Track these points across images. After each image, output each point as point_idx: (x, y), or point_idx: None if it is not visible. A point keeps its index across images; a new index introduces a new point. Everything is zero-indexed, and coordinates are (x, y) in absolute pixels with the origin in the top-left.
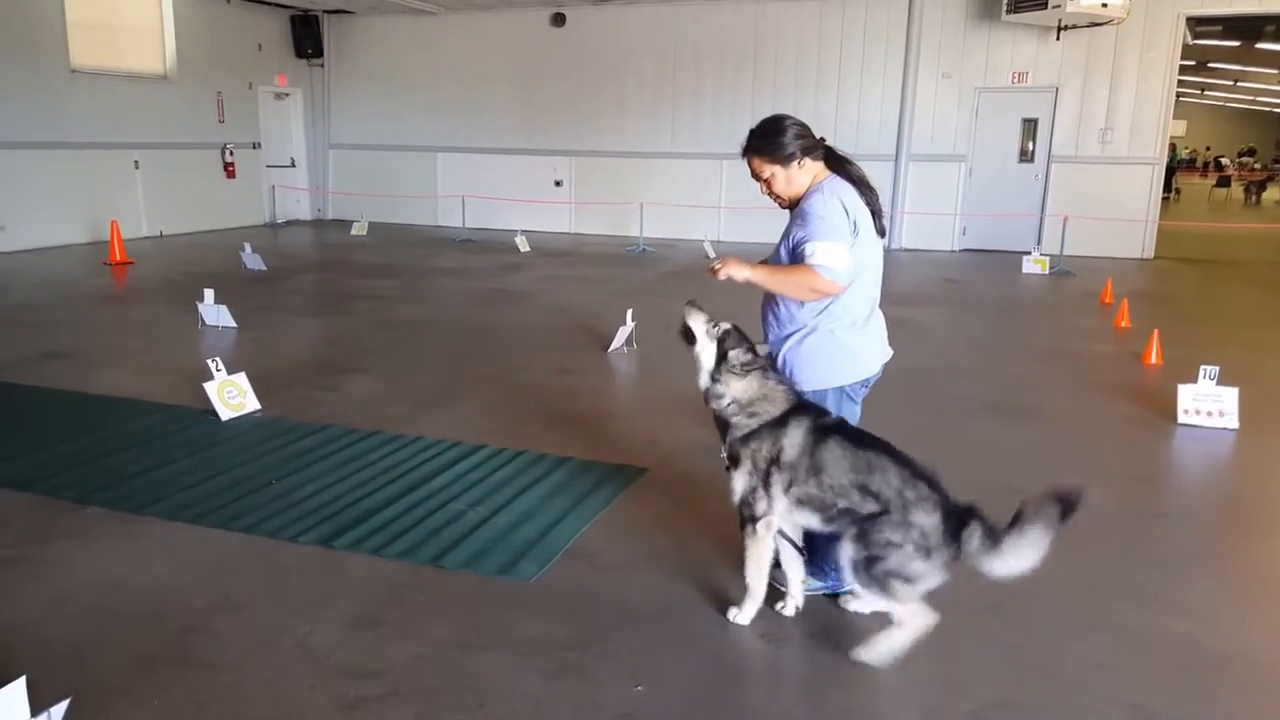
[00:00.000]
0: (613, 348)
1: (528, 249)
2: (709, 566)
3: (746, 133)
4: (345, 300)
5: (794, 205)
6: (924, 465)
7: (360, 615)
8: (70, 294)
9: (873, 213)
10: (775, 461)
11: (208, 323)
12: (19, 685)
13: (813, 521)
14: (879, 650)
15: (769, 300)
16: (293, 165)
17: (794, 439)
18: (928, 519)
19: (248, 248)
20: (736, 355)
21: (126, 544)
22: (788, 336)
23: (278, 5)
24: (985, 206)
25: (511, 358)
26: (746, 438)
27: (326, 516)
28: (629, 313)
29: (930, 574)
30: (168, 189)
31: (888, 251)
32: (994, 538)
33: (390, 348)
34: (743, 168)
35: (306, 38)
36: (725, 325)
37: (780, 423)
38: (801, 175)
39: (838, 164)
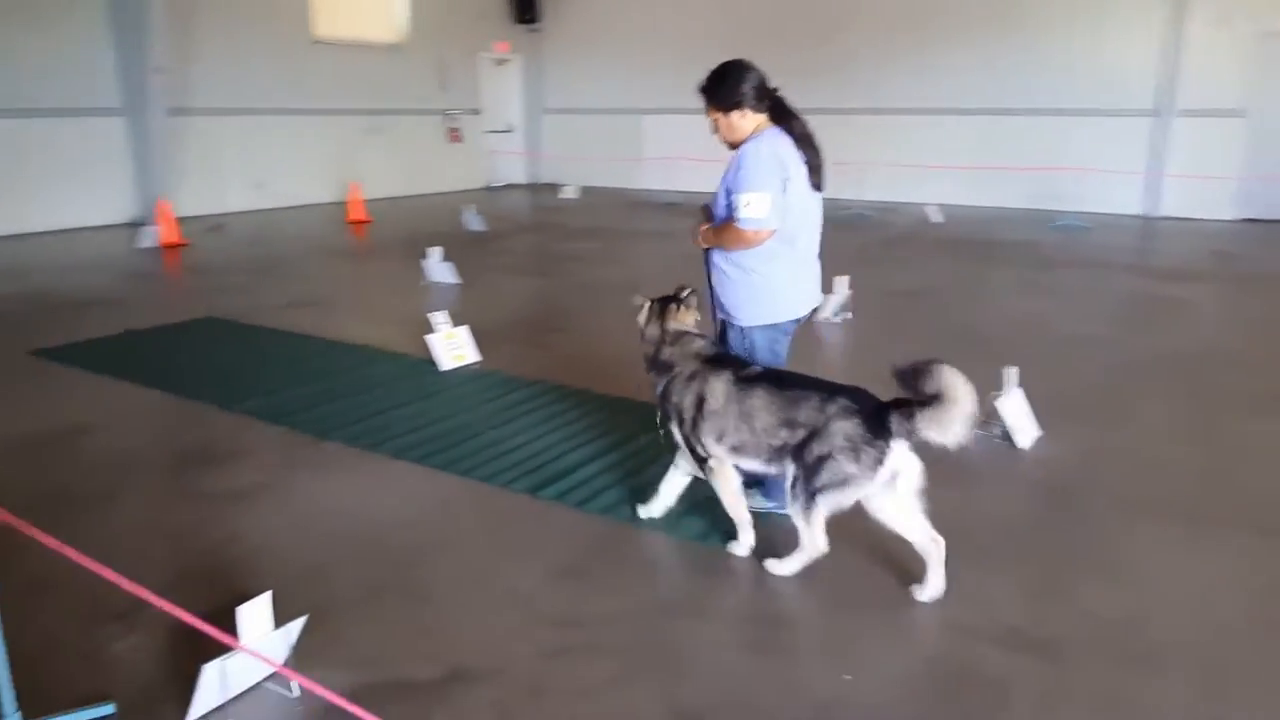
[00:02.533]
0: (822, 315)
1: None
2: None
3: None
4: (554, 262)
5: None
6: (844, 385)
7: (565, 566)
8: (315, 248)
9: (810, 168)
10: (699, 410)
11: (432, 278)
12: (265, 599)
13: (755, 465)
14: (785, 566)
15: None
16: (509, 130)
17: (716, 391)
18: (847, 424)
19: (471, 210)
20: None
21: (359, 478)
22: (722, 277)
23: None
24: (1273, 168)
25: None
26: (665, 393)
27: (534, 467)
28: (843, 280)
29: (863, 475)
30: (400, 153)
31: (1148, 218)
32: (911, 417)
33: (591, 310)
34: (982, 125)
35: (525, 3)
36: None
37: (695, 376)
38: (744, 123)
39: (783, 117)
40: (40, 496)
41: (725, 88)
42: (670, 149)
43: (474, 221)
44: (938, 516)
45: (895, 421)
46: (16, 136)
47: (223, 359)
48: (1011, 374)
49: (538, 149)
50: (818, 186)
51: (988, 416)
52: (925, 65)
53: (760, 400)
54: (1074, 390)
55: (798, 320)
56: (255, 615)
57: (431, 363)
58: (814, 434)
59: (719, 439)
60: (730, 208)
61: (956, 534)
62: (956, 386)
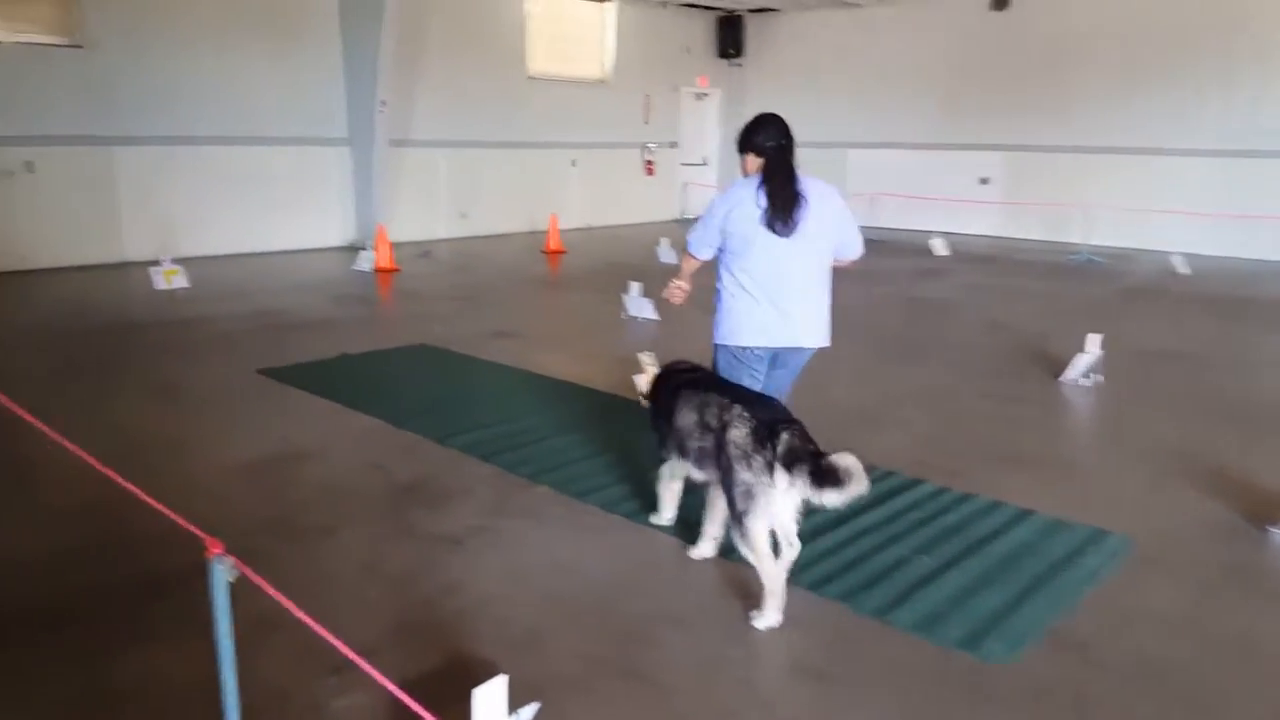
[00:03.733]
0: (1066, 376)
1: (945, 252)
2: (1238, 696)
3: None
4: None
5: None
6: (750, 393)
7: (803, 661)
8: (516, 278)
9: (768, 213)
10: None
11: (631, 313)
12: (500, 684)
13: (694, 473)
14: (764, 618)
15: None
16: (704, 163)
17: (667, 404)
18: (739, 431)
19: (663, 243)
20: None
21: (574, 531)
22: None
23: (706, 8)
24: None
25: (943, 377)
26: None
27: None
28: (1094, 339)
29: (758, 481)
30: (596, 185)
31: None
32: (800, 459)
33: None
34: (1237, 168)
35: (729, 38)
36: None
37: (654, 395)
38: (748, 165)
39: (774, 169)
40: (262, 526)
41: (743, 134)
42: (875, 184)
43: (667, 254)
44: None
45: (784, 442)
46: (253, 163)
47: (433, 388)
48: None
49: (731, 181)
50: (775, 230)
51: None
52: (1164, 102)
53: (684, 402)
54: None
55: (757, 354)
56: (488, 699)
57: (636, 403)
58: (719, 442)
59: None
60: None
61: None
62: (855, 470)
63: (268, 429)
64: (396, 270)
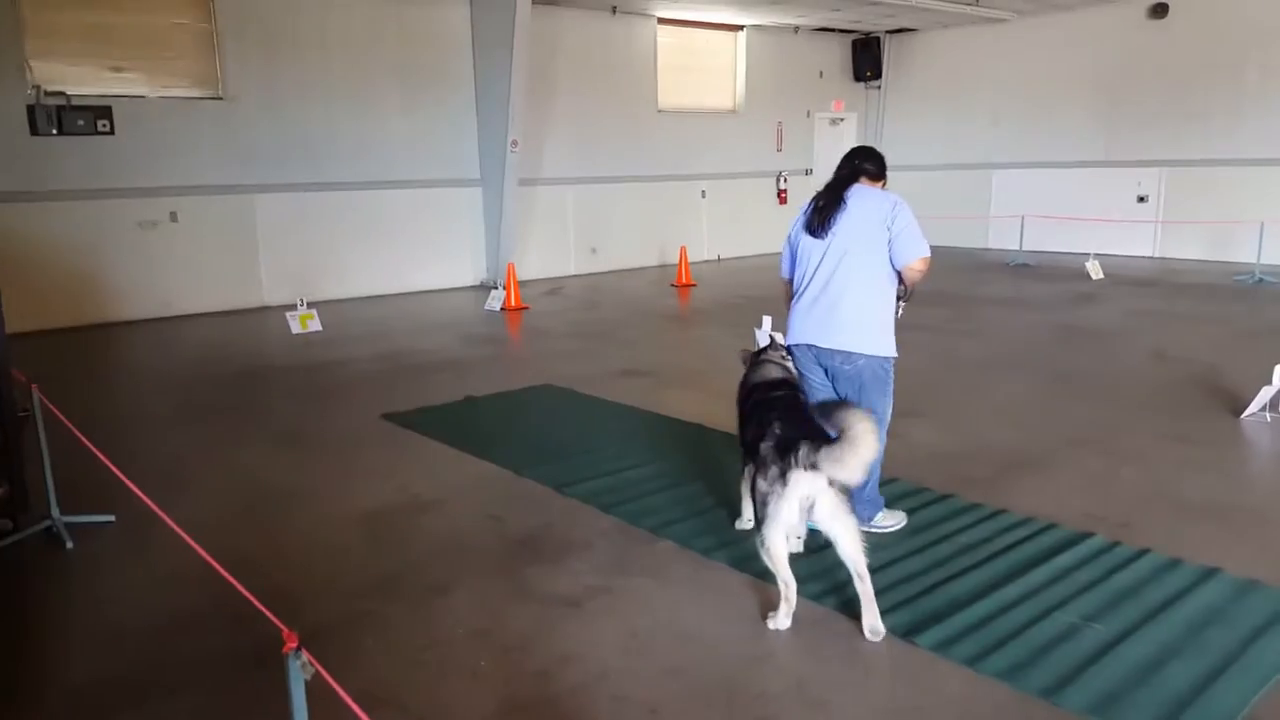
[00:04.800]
0: (1248, 413)
1: (1100, 276)
2: None
3: None
4: (897, 330)
5: None
6: (800, 407)
7: None
8: (644, 312)
9: (814, 212)
10: None
11: None
12: None
13: None
14: (776, 620)
15: None
16: None
17: (740, 409)
18: (766, 443)
19: None
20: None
21: (699, 591)
22: None
23: (841, 31)
24: None
25: (1107, 415)
26: None
27: (904, 600)
28: (1278, 370)
29: (772, 490)
30: (727, 216)
31: None
32: (817, 450)
33: (953, 390)
34: None
35: (866, 60)
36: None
37: (740, 389)
38: None
39: (828, 184)
40: (373, 585)
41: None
42: (1020, 205)
43: None
44: None
45: (803, 450)
46: (386, 206)
47: (557, 432)
48: None
49: None
50: (812, 232)
51: None
52: None
53: (753, 406)
54: None
55: (804, 352)
56: None
57: None
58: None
59: None
60: None
61: None
62: (859, 431)
63: (387, 477)
64: (526, 308)
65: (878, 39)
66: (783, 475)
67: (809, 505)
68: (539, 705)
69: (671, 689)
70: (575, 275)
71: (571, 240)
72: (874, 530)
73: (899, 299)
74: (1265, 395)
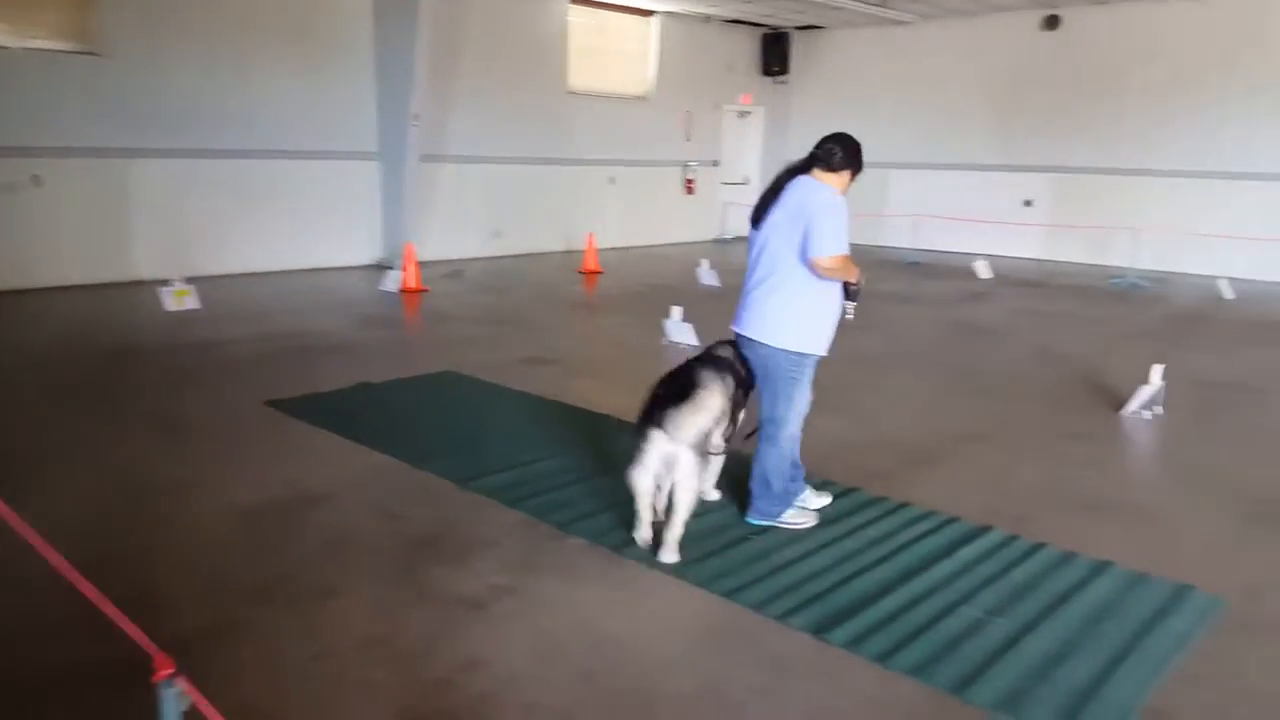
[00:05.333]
0: (1129, 410)
1: (989, 275)
2: None
3: None
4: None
5: None
6: (673, 378)
7: None
8: (550, 299)
9: (756, 210)
10: None
11: (672, 339)
12: None
13: None
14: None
15: None
16: (745, 182)
17: None
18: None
19: (705, 264)
20: None
21: (610, 591)
22: None
23: (751, 24)
24: None
25: (1000, 410)
26: None
27: (814, 595)
28: (1157, 369)
29: (636, 449)
30: (634, 204)
31: None
32: (664, 413)
33: (856, 384)
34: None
35: (775, 56)
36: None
37: None
38: None
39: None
40: (257, 589)
41: None
42: (915, 205)
43: (708, 277)
44: None
45: (656, 412)
46: (275, 177)
47: (458, 422)
48: None
49: None
50: (753, 224)
51: None
52: (1211, 123)
53: None
54: None
55: (739, 337)
56: None
57: None
58: None
59: None
60: None
61: None
62: (690, 399)
63: (272, 470)
64: (425, 291)
65: (787, 35)
66: (644, 431)
67: (672, 461)
68: (441, 716)
69: (584, 694)
70: (478, 258)
71: (475, 221)
72: (783, 526)
73: (847, 299)
74: (1144, 394)
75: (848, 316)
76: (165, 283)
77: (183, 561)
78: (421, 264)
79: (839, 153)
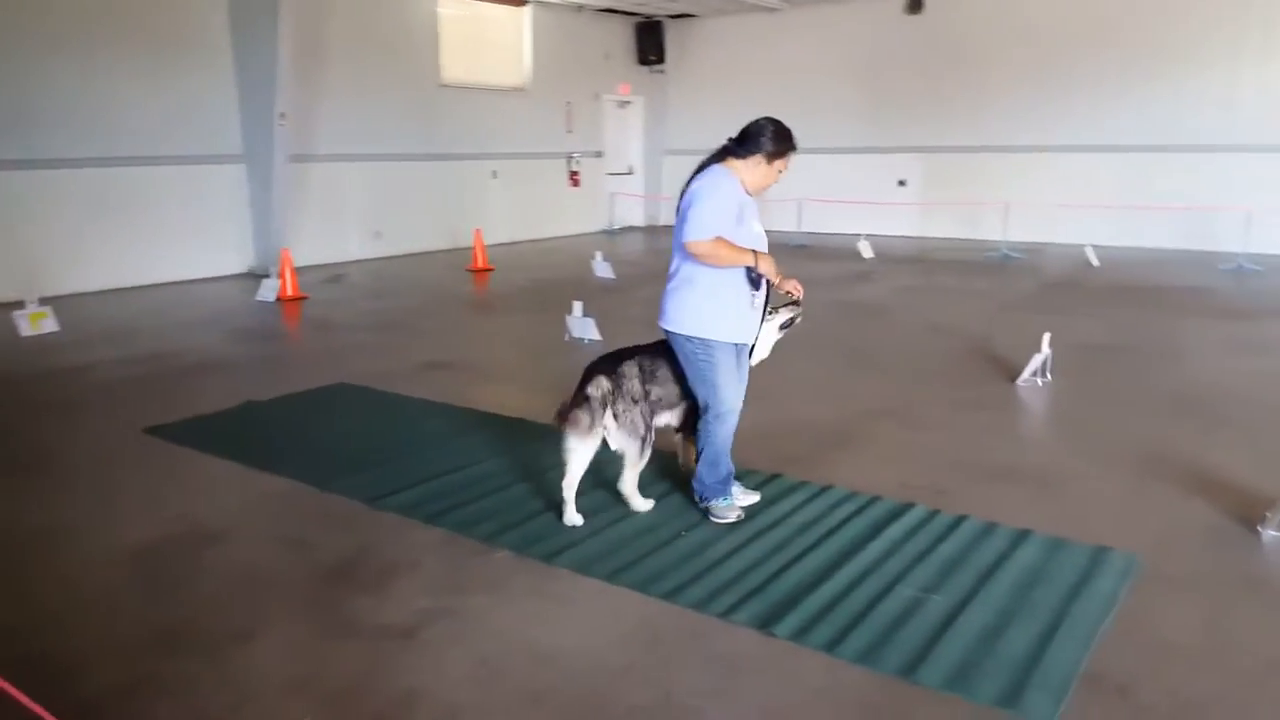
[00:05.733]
0: (1022, 379)
1: (871, 255)
2: None
3: None
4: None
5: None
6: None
7: None
8: (440, 300)
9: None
10: None
11: (574, 334)
12: None
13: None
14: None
15: None
16: (630, 173)
17: None
18: None
19: (599, 256)
20: None
21: (546, 604)
22: None
23: (625, 13)
24: None
25: (900, 387)
26: None
27: (753, 589)
28: (1046, 337)
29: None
30: (520, 198)
31: None
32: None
33: (760, 370)
34: (1142, 162)
35: (650, 44)
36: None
37: None
38: None
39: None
40: (156, 640)
41: None
42: (799, 189)
43: (603, 269)
44: None
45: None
46: (131, 186)
47: (360, 437)
48: None
49: (658, 191)
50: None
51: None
52: (1070, 100)
53: None
54: None
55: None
56: None
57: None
58: None
59: None
60: None
61: None
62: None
63: (158, 505)
64: (305, 298)
65: (660, 23)
66: (561, 415)
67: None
68: None
69: (534, 718)
70: (359, 260)
71: (353, 222)
72: (713, 519)
73: (752, 286)
74: (1035, 361)
75: (756, 305)
76: (18, 305)
77: (73, 616)
78: (299, 270)
79: (756, 139)
